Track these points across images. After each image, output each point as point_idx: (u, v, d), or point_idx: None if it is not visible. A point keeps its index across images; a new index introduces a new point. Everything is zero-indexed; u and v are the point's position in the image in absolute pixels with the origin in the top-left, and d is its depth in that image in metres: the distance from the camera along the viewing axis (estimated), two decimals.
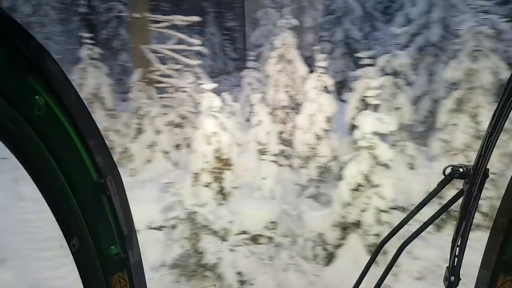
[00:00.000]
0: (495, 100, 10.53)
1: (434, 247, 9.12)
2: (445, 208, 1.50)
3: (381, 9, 21.70)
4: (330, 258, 9.21)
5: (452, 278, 1.45)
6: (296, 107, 14.71)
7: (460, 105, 10.48)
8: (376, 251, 1.67)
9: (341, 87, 18.41)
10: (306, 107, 13.21)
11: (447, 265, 1.48)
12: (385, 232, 8.85)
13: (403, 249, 1.53)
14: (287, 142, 14.62)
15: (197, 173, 10.26)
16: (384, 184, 9.04)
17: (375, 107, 9.95)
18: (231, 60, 27.14)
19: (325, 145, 12.92)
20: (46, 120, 1.13)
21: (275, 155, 14.13)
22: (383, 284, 1.82)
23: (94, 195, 1.30)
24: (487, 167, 1.40)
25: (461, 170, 1.40)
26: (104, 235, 1.37)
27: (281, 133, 14.80)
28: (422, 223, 1.57)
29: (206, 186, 10.36)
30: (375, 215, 8.89)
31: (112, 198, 1.33)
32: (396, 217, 9.44)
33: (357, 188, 9.19)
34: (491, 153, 1.31)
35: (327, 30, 21.26)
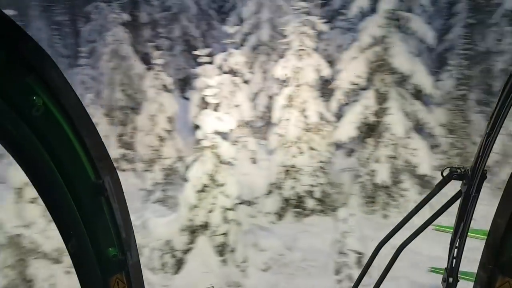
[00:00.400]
0: (319, 95, 11.65)
1: (278, 237, 9.66)
2: (443, 209, 1.47)
3: (215, 7, 22.11)
4: (179, 265, 8.91)
5: (451, 279, 1.43)
6: (135, 107, 13.96)
7: (290, 101, 11.27)
8: (374, 253, 1.62)
9: (184, 85, 18.21)
10: (146, 107, 12.60)
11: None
12: (233, 230, 8.98)
13: (402, 249, 1.51)
14: (128, 145, 13.80)
15: (20, 188, 8.82)
16: (228, 182, 9.12)
17: (215, 106, 9.97)
18: (61, 57, 24.46)
19: (169, 146, 12.55)
20: (45, 121, 1.13)
21: (115, 160, 13.20)
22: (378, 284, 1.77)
23: (92, 196, 1.29)
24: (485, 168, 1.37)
25: (459, 171, 1.37)
26: (102, 236, 1.34)
27: (121, 135, 13.87)
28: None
29: (32, 202, 8.99)
30: (221, 214, 8.91)
31: (110, 199, 1.31)
32: (242, 213, 9.69)
33: (203, 189, 9.07)
34: (489, 154, 1.27)
35: (164, 27, 20.72)
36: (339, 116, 11.43)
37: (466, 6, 13.39)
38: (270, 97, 14.20)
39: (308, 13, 11.42)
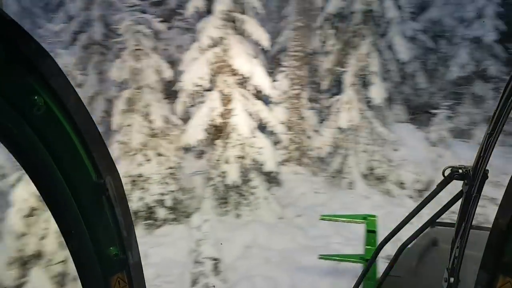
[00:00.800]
0: (163, 98, 11.12)
1: None
2: (444, 209, 1.45)
3: (41, 5, 19.62)
4: None
5: (452, 279, 1.44)
6: None
7: (131, 105, 10.49)
8: (376, 252, 1.65)
9: None
10: None
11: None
12: (70, 256, 7.90)
13: (403, 249, 1.52)
14: None
15: None
16: None
17: None
18: None
19: None
20: (46, 120, 1.13)
21: None
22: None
23: (94, 196, 1.29)
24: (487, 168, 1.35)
25: (460, 171, 1.36)
26: (103, 235, 1.35)
27: None
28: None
29: None
30: (57, 240, 7.72)
31: (111, 198, 1.31)
32: None
33: (31, 213, 7.75)
34: (490, 154, 1.27)
35: None
36: (185, 119, 11.11)
37: (294, 9, 14.45)
38: (109, 101, 13.08)
39: (142, 11, 10.76)
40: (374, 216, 4.43)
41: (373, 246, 4.43)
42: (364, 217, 4.39)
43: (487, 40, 14.52)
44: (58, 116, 1.14)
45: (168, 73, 10.76)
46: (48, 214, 7.72)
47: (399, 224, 1.51)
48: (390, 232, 1.54)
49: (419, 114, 15.77)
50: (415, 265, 2.39)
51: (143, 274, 1.54)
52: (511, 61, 14.82)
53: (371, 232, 4.37)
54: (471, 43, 14.96)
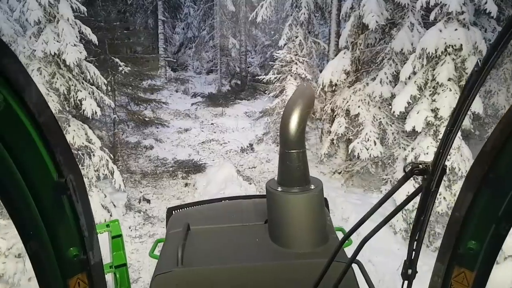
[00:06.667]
0: None
1: None
2: (404, 204, 1.43)
3: None
4: None
5: (410, 271, 1.41)
6: None
7: None
8: (338, 247, 1.60)
9: None
10: None
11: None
12: None
13: (364, 244, 1.48)
14: None
15: None
16: None
17: None
18: None
19: None
20: (5, 117, 1.05)
21: None
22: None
23: (54, 195, 1.23)
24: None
25: (420, 166, 1.33)
26: (64, 236, 1.29)
27: None
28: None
29: None
30: None
31: (73, 198, 1.25)
32: None
33: None
34: (449, 150, 1.27)
35: None
36: None
37: None
38: None
39: None
40: (116, 220, 4.17)
41: (121, 251, 4.11)
42: (107, 225, 4.10)
43: None
44: (18, 114, 1.08)
45: None
46: None
47: (361, 219, 1.50)
48: (352, 227, 1.52)
49: None
50: (180, 256, 2.39)
51: (104, 273, 1.49)
52: None
53: (116, 238, 4.06)
54: None
